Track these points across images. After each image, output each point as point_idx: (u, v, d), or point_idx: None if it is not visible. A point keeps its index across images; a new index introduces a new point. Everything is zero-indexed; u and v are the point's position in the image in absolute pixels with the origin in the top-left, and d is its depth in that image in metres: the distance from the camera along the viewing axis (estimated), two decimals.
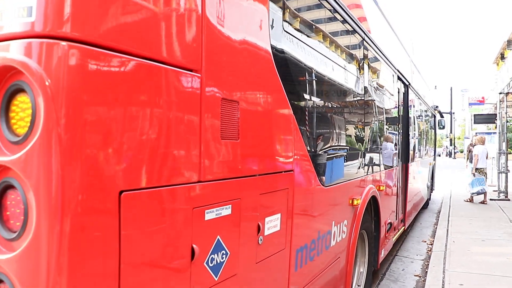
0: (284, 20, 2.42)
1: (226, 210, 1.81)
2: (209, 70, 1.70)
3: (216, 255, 1.76)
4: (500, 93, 12.68)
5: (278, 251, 2.31)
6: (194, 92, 1.62)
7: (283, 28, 2.40)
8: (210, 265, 1.73)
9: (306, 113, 2.89)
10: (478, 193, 11.33)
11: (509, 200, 11.90)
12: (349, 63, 3.67)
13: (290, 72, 2.57)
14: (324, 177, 3.03)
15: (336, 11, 3.26)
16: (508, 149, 13.08)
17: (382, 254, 5.25)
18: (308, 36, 2.80)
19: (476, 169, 11.56)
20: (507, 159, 12.62)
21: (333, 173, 3.31)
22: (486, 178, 11.82)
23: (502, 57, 15.90)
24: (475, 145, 12.18)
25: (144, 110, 1.40)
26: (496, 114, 13.71)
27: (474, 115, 17.19)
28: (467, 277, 5.26)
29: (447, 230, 8.02)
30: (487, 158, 12.55)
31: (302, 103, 2.82)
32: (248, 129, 1.98)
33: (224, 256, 1.81)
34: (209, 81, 1.70)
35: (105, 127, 1.26)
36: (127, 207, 1.33)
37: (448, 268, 5.64)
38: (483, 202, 11.45)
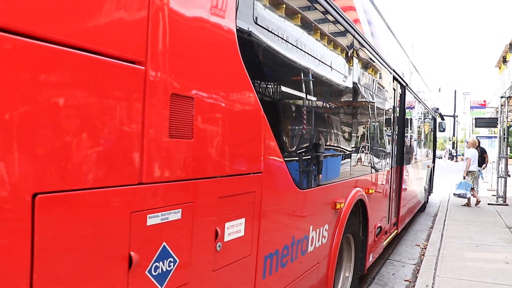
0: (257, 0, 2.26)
1: (174, 215, 1.67)
2: (156, 62, 1.56)
3: (161, 263, 1.62)
4: (502, 97, 12.48)
5: (242, 258, 2.17)
6: (135, 87, 1.48)
7: (254, 11, 2.24)
8: (154, 273, 1.59)
9: (281, 109, 2.74)
10: (459, 196, 11.37)
11: (507, 205, 11.70)
12: (333, 56, 3.51)
13: (261, 63, 2.41)
14: (301, 180, 2.89)
15: None
16: (509, 154, 12.87)
17: (371, 259, 5.11)
18: (284, 24, 2.64)
19: (468, 172, 11.60)
20: (507, 164, 12.41)
21: (312, 175, 3.17)
22: (478, 181, 11.91)
23: (504, 60, 15.66)
24: (468, 148, 12.23)
25: (67, 103, 1.26)
26: (497, 118, 13.51)
27: (476, 118, 16.95)
28: (457, 283, 5.12)
29: (442, 234, 7.86)
30: (486, 162, 12.45)
31: (276, 99, 2.67)
32: (205, 127, 1.84)
33: (171, 264, 1.68)
34: (155, 75, 1.56)
35: (17, 122, 1.12)
36: (43, 212, 1.19)
37: (439, 273, 5.49)
38: (467, 205, 11.51)
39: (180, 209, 1.70)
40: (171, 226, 1.66)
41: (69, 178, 1.27)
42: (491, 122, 15.98)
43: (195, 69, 1.78)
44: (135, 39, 1.48)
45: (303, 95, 3.03)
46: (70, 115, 1.27)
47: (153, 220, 1.57)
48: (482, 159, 12.94)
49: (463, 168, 11.92)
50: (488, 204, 11.93)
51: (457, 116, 36.83)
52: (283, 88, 2.74)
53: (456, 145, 41.21)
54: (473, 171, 11.72)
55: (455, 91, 35.42)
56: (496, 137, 14.70)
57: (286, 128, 2.79)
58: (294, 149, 2.87)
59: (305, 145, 3.06)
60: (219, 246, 1.96)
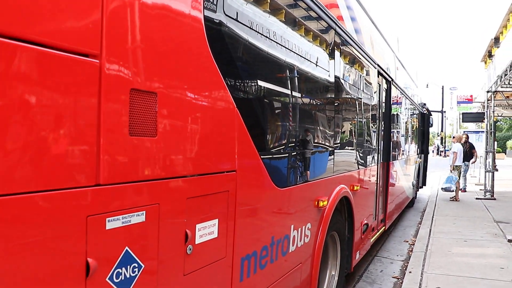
0: None
1: (137, 217, 1.57)
2: (112, 55, 1.46)
3: (123, 269, 1.52)
4: (488, 92, 12.52)
5: (216, 260, 2.08)
6: (88, 81, 1.38)
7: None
8: (116, 280, 1.50)
9: (256, 104, 2.65)
10: (445, 190, 11.57)
11: (495, 199, 11.76)
12: (313, 49, 3.42)
13: (233, 56, 2.32)
14: (279, 178, 2.80)
15: None
16: (497, 148, 12.93)
17: (357, 256, 5.04)
18: (260, 13, 2.54)
19: (455, 166, 11.79)
20: (494, 158, 12.47)
21: (291, 173, 3.08)
22: (466, 176, 12.33)
23: (490, 55, 15.71)
24: (454, 143, 12.44)
25: (12, 100, 1.15)
26: (484, 112, 13.57)
27: (463, 113, 17.01)
28: (445, 279, 5.08)
29: (430, 230, 7.85)
30: (476, 157, 12.59)
31: (251, 93, 2.58)
32: (171, 123, 1.74)
33: (136, 269, 1.58)
34: (112, 69, 1.46)
35: None
36: None
37: (427, 270, 5.45)
38: (454, 199, 11.69)
39: (144, 211, 1.60)
40: (134, 229, 1.56)
41: (16, 181, 1.17)
42: (478, 117, 16.06)
43: (158, 62, 1.68)
44: (87, 30, 1.37)
45: (280, 89, 2.94)
46: (16, 113, 1.16)
47: (113, 223, 1.47)
48: (471, 154, 13.02)
49: (449, 163, 12.11)
50: (476, 198, 11.98)
51: (445, 112, 37.04)
52: (259, 82, 2.65)
53: (444, 141, 41.51)
54: (459, 166, 11.92)
55: (442, 86, 35.63)
56: (483, 131, 14.79)
57: (263, 124, 2.70)
58: (271, 145, 2.78)
59: (284, 142, 2.97)
60: (190, 249, 1.86)
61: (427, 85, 37.34)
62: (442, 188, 11.69)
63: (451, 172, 11.78)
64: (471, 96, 17.38)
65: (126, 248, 1.53)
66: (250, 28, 2.38)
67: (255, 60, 2.56)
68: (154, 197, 1.65)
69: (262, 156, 2.49)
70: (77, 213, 1.35)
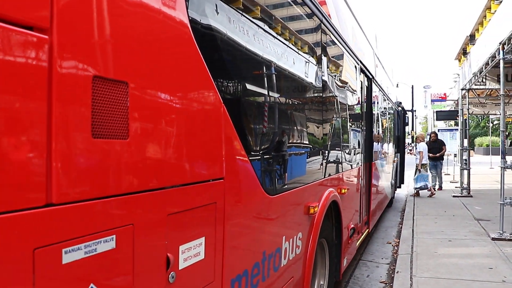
0: None
1: (105, 244, 1.21)
2: (68, 29, 1.10)
3: None
4: (462, 89, 12.56)
5: (203, 286, 1.73)
6: (35, 65, 1.02)
7: None
8: None
9: (246, 104, 2.32)
10: (421, 188, 11.95)
11: (472, 196, 11.78)
12: (300, 45, 3.12)
13: (220, 43, 1.97)
14: (270, 184, 2.47)
15: None
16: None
17: (345, 263, 4.77)
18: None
19: (422, 165, 12.17)
20: (469, 156, 12.52)
21: (282, 178, 2.76)
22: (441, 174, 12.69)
23: (464, 52, 15.83)
24: (417, 142, 12.86)
25: None
26: (458, 110, 13.63)
27: (437, 111, 17.11)
28: (436, 282, 4.87)
29: (413, 230, 7.69)
30: (443, 151, 12.81)
31: (240, 91, 2.24)
32: (146, 122, 1.39)
33: None
34: (67, 48, 1.10)
35: None
36: None
37: (416, 273, 5.24)
38: (431, 196, 11.98)
39: (114, 236, 1.24)
40: (101, 260, 1.20)
41: None
42: (451, 115, 16.20)
43: (130, 43, 1.32)
44: None
45: (271, 87, 2.61)
46: None
47: (71, 255, 1.11)
48: (440, 151, 13.05)
49: (416, 162, 12.44)
50: (453, 196, 11.98)
51: (415, 111, 37.64)
52: (248, 82, 2.33)
53: (415, 139, 42.22)
54: (425, 164, 12.31)
55: (412, 86, 36.05)
56: (457, 129, 14.90)
57: (254, 125, 2.37)
58: (261, 148, 2.44)
59: (275, 144, 2.65)
60: (173, 277, 1.51)
61: (397, 84, 37.78)
62: (415, 188, 11.97)
63: (419, 171, 12.06)
64: (445, 94, 17.52)
65: (91, 285, 1.17)
66: (236, 18, 2.05)
67: (244, 54, 2.23)
68: (126, 217, 1.30)
69: (251, 161, 2.16)
70: (20, 246, 0.98)
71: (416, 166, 12.33)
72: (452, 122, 19.18)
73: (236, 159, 2.00)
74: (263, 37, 2.37)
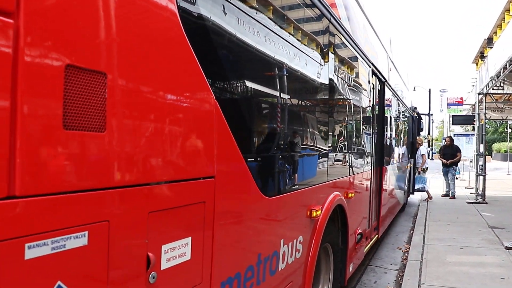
0: None
1: (76, 240, 1.16)
2: (37, 13, 1.05)
3: None
4: (479, 94, 12.29)
5: None
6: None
7: None
8: None
9: (242, 99, 2.25)
10: (418, 190, 12.24)
11: (486, 203, 11.51)
12: (303, 43, 3.03)
13: (211, 32, 1.90)
14: (267, 185, 2.40)
15: None
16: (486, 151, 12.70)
17: (351, 269, 4.66)
18: None
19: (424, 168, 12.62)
20: (485, 161, 12.23)
21: (281, 179, 2.68)
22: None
23: (482, 56, 15.47)
24: (417, 147, 12.89)
25: None
26: (474, 115, 13.34)
27: (453, 116, 16.75)
28: None
29: (424, 236, 7.52)
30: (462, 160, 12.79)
31: (235, 85, 2.17)
32: (126, 116, 1.33)
33: None
34: (35, 34, 1.05)
35: None
36: None
37: (424, 281, 5.10)
38: (427, 200, 12.11)
39: (86, 232, 1.19)
40: (71, 257, 1.14)
41: None
42: (468, 119, 15.85)
43: (111, 32, 1.27)
44: None
45: (269, 83, 2.54)
46: None
47: (36, 251, 1.05)
48: (454, 156, 12.76)
49: (418, 166, 12.64)
50: (468, 202, 11.72)
51: (432, 115, 37.11)
52: (245, 72, 2.25)
53: (432, 143, 41.71)
54: (426, 167, 12.76)
55: (430, 89, 35.54)
56: (473, 134, 14.57)
57: (250, 121, 2.30)
58: (258, 147, 2.37)
59: (273, 144, 2.57)
60: (153, 278, 1.45)
61: (414, 88, 37.30)
62: (414, 189, 12.16)
63: (419, 173, 12.38)
64: (461, 98, 17.16)
65: (59, 283, 1.11)
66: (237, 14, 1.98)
67: (241, 47, 2.16)
68: (101, 213, 1.24)
69: (247, 160, 2.08)
70: None
71: (417, 169, 12.49)
72: (470, 127, 18.83)
73: (229, 158, 1.93)
74: (260, 29, 2.29)
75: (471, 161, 14.57)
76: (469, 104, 17.20)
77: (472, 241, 7.13)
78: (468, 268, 5.61)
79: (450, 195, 12.76)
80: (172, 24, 1.54)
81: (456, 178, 13.58)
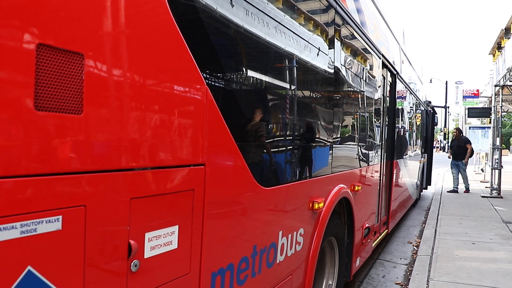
0: None
1: (49, 225, 1.13)
2: None
3: None
4: (496, 86, 11.99)
5: (176, 277, 1.63)
6: None
7: None
8: None
9: (236, 84, 2.18)
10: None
11: (502, 197, 11.27)
12: (307, 28, 2.95)
13: (202, 18, 1.84)
14: (264, 175, 2.34)
15: None
16: (502, 145, 12.37)
17: (357, 263, 4.58)
18: None
19: None
20: (500, 155, 11.95)
21: (280, 169, 2.62)
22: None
23: (499, 47, 15.06)
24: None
25: None
26: (491, 108, 13.03)
27: (468, 108, 16.40)
28: (454, 287, 4.62)
29: (435, 230, 7.39)
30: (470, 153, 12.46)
31: (229, 67, 2.10)
32: (106, 98, 1.29)
33: None
34: (3, 10, 1.01)
35: None
36: None
37: (433, 276, 4.99)
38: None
39: (61, 216, 1.15)
40: (42, 241, 1.11)
41: None
42: (484, 112, 15.48)
43: (89, 9, 1.22)
44: None
45: (267, 71, 2.47)
46: None
47: (3, 234, 1.02)
48: (465, 150, 12.23)
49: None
50: (482, 196, 11.50)
51: (448, 107, 36.43)
52: (240, 58, 2.19)
53: (448, 136, 41.15)
54: None
55: (446, 81, 34.80)
56: (489, 127, 14.25)
57: (243, 108, 2.24)
58: (255, 136, 2.31)
59: (271, 133, 2.51)
60: (136, 266, 1.41)
61: (431, 80, 36.67)
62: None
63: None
64: (477, 90, 16.70)
65: (29, 268, 1.08)
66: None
67: (233, 29, 2.10)
68: (76, 197, 1.20)
69: (241, 148, 2.03)
70: None
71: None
72: (487, 120, 18.45)
73: (221, 146, 1.88)
74: (255, 14, 2.21)
75: (486, 154, 14.23)
76: (485, 97, 16.81)
77: (485, 236, 6.98)
78: (479, 263, 5.48)
79: (464, 189, 12.46)
80: (159, 6, 1.49)
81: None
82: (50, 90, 1.12)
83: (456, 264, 5.42)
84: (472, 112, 16.19)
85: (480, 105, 17.31)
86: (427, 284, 4.74)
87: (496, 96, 12.10)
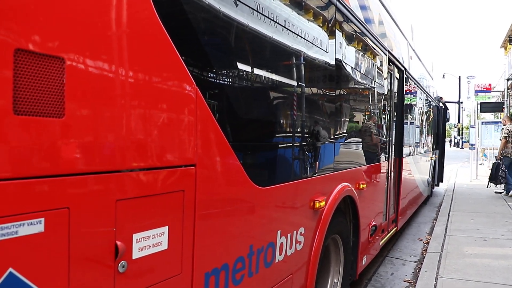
0: None
1: (30, 227, 1.14)
2: None
3: None
4: (508, 80, 11.80)
5: (166, 278, 1.63)
6: None
7: None
8: None
9: (227, 80, 2.17)
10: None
11: None
12: (303, 21, 2.90)
13: (189, 19, 1.83)
14: (260, 175, 2.33)
15: None
16: None
17: (364, 261, 4.55)
18: None
19: None
20: None
21: (277, 169, 2.61)
22: None
23: (510, 40, 14.82)
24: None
25: None
26: (503, 102, 12.82)
27: (481, 103, 16.13)
28: (463, 284, 4.57)
29: (446, 227, 7.30)
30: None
31: (219, 66, 2.09)
32: (89, 100, 1.30)
33: None
34: None
35: None
36: None
37: (442, 273, 4.93)
38: None
39: (43, 219, 1.17)
40: (24, 243, 1.13)
41: None
42: (497, 107, 15.23)
43: (71, 12, 1.23)
44: None
45: (262, 66, 2.46)
46: None
47: None
48: None
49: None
50: (496, 192, 11.33)
51: (461, 103, 35.89)
52: (231, 55, 2.18)
53: (462, 132, 40.51)
54: None
55: (459, 76, 34.38)
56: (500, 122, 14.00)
57: (236, 106, 2.23)
58: (249, 135, 2.30)
59: (266, 131, 2.50)
60: (123, 267, 1.42)
61: (444, 75, 36.22)
62: None
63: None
64: (490, 85, 16.39)
65: (10, 270, 1.10)
66: None
67: (224, 24, 2.09)
68: (59, 199, 1.22)
69: (235, 148, 2.02)
70: None
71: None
72: (500, 115, 18.10)
73: (213, 145, 1.88)
74: (245, 7, 2.19)
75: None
76: (498, 91, 16.55)
77: (496, 232, 6.88)
78: (490, 260, 5.40)
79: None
80: (143, 4, 1.50)
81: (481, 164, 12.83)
82: (30, 94, 1.13)
83: (466, 261, 5.35)
84: (485, 107, 15.93)
85: (493, 100, 17.03)
86: (435, 281, 4.68)
87: (508, 90, 11.89)
